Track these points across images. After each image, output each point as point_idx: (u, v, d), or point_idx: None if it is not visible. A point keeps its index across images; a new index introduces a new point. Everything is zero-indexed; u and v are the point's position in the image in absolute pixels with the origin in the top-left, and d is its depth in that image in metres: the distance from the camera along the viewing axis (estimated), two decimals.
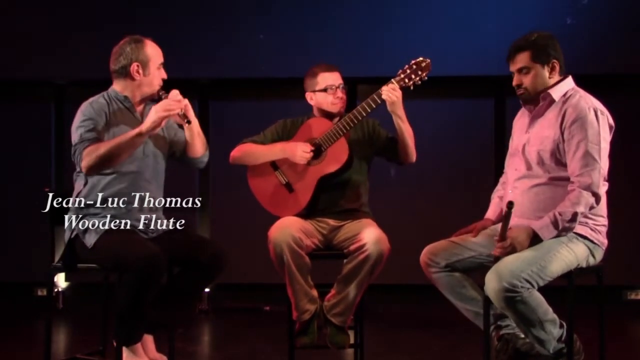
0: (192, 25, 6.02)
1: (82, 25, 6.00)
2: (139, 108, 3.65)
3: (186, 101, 3.54)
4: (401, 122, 3.72)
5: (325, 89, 3.86)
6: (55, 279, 5.62)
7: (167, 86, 3.68)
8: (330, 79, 3.86)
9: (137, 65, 3.56)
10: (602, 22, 5.84)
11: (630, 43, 5.87)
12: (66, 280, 6.09)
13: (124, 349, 3.45)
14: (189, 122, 3.57)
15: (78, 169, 3.54)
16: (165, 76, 3.65)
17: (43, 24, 6.04)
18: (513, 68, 3.42)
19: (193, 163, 3.81)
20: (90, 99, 3.58)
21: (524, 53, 3.37)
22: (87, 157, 3.42)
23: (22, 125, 6.33)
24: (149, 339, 3.59)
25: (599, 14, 5.85)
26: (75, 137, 3.49)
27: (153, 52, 3.60)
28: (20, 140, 6.30)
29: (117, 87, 3.62)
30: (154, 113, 3.46)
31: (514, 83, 3.43)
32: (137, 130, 3.46)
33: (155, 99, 3.64)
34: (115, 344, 3.48)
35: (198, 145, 3.72)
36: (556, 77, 3.40)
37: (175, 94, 3.53)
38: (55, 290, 5.75)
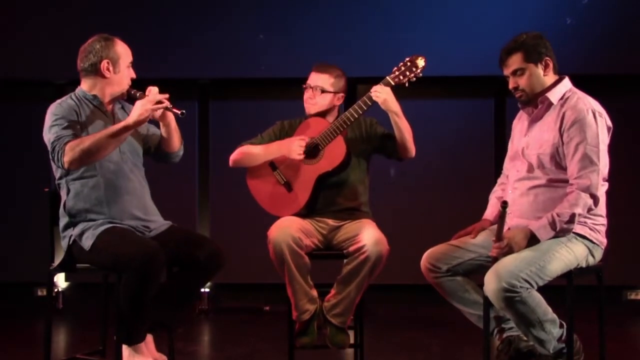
0: (192, 25, 6.02)
1: (82, 25, 5.99)
2: (109, 107, 3.62)
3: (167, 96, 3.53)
4: (397, 117, 3.73)
5: (304, 87, 3.89)
6: (55, 279, 5.62)
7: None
8: (310, 78, 3.91)
9: (107, 63, 3.54)
10: (602, 22, 5.84)
11: (630, 43, 5.87)
12: (66, 280, 6.09)
13: (126, 348, 3.45)
14: (183, 113, 3.50)
15: (58, 170, 3.50)
16: (134, 76, 3.63)
17: (43, 23, 6.04)
18: (507, 71, 3.41)
19: (169, 157, 3.78)
20: (58, 100, 3.56)
21: (516, 55, 3.37)
22: (70, 152, 3.38)
23: (22, 125, 6.32)
24: (148, 339, 3.57)
25: (599, 14, 5.85)
26: (50, 136, 3.44)
27: (123, 50, 3.59)
28: (20, 140, 6.29)
29: (85, 86, 3.59)
30: (141, 106, 3.43)
31: (510, 86, 3.42)
32: (123, 124, 3.44)
33: (125, 98, 3.64)
34: (115, 341, 3.47)
35: (176, 139, 3.70)
36: (551, 75, 3.39)
37: (156, 90, 3.51)
38: (55, 290, 5.75)
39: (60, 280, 5.96)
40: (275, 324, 5.12)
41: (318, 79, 3.88)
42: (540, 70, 3.37)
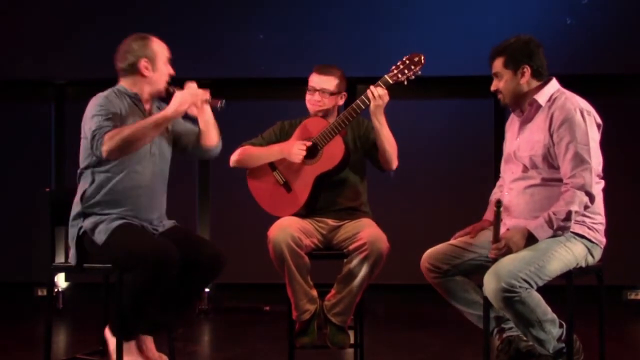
0: (192, 25, 6.03)
1: (82, 25, 6.00)
2: (147, 106, 3.63)
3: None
4: (380, 126, 3.71)
5: (309, 89, 3.88)
6: (55, 279, 5.62)
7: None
8: (313, 80, 3.88)
9: (146, 61, 3.56)
10: (602, 22, 5.85)
11: (630, 43, 5.87)
12: (66, 280, 6.09)
13: (115, 340, 3.44)
14: (222, 103, 3.55)
15: (87, 159, 3.50)
16: (172, 72, 3.65)
17: (43, 23, 6.04)
18: (492, 73, 3.46)
19: (208, 153, 3.77)
20: (103, 93, 3.56)
21: (499, 59, 3.40)
22: (109, 141, 3.37)
23: (22, 125, 6.33)
24: (149, 339, 3.58)
25: (599, 14, 5.85)
26: (91, 124, 3.44)
27: (159, 48, 3.62)
28: (21, 140, 6.30)
29: (125, 84, 3.60)
30: (180, 97, 3.48)
31: (492, 88, 3.47)
32: (162, 114, 3.47)
33: (163, 96, 3.65)
34: (115, 338, 3.47)
35: (213, 133, 3.70)
36: (531, 82, 3.38)
37: (195, 85, 3.55)
38: (55, 290, 5.74)
39: (60, 280, 5.97)
40: (275, 324, 5.12)
41: (322, 82, 3.87)
42: (517, 77, 3.38)
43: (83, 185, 3.55)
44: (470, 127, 6.17)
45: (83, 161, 3.55)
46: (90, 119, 3.47)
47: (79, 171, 3.58)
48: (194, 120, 3.71)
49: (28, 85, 6.34)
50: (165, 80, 3.62)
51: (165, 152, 3.66)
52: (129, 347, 3.47)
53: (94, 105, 3.49)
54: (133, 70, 3.57)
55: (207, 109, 3.63)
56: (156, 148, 3.60)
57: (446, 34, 5.87)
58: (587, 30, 5.82)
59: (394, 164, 3.82)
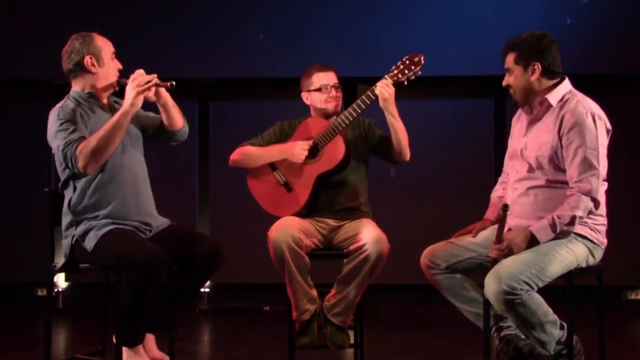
0: (191, 25, 6.02)
1: (83, 25, 5.98)
2: (105, 101, 3.62)
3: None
4: (393, 119, 3.73)
5: (320, 89, 3.87)
6: (55, 279, 5.62)
7: None
8: (324, 78, 3.87)
9: (91, 58, 3.54)
10: (602, 22, 5.84)
11: (630, 43, 5.87)
12: (66, 280, 6.09)
13: (125, 349, 3.45)
14: (172, 85, 3.49)
15: (66, 171, 3.50)
16: (120, 66, 3.62)
17: (43, 23, 6.04)
18: (504, 67, 3.44)
19: (175, 137, 3.73)
20: (58, 105, 3.55)
21: (510, 54, 3.38)
22: (81, 157, 3.37)
23: (22, 125, 6.33)
24: (150, 338, 3.59)
25: (599, 14, 5.85)
26: (57, 142, 3.43)
27: (102, 43, 3.59)
28: (20, 140, 6.30)
29: (77, 86, 3.59)
30: (131, 90, 3.43)
31: (503, 83, 3.44)
32: (120, 111, 3.43)
33: (117, 89, 3.63)
34: (115, 343, 3.47)
35: (176, 116, 3.67)
36: (544, 80, 3.36)
37: (141, 71, 3.50)
38: (55, 290, 5.75)
39: (60, 280, 5.96)
40: (275, 324, 5.12)
41: (332, 77, 3.90)
42: (528, 74, 3.36)
43: (68, 194, 3.55)
44: (470, 127, 6.17)
45: (61, 173, 3.56)
46: (55, 136, 3.45)
47: (60, 183, 3.58)
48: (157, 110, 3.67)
49: (28, 85, 6.34)
50: (115, 74, 3.60)
51: (137, 136, 3.64)
52: (137, 349, 3.47)
53: (53, 121, 3.48)
54: (80, 69, 3.55)
55: (163, 92, 3.57)
56: (126, 137, 3.55)
57: (446, 34, 5.87)
58: (587, 30, 5.82)
59: (408, 155, 3.82)
